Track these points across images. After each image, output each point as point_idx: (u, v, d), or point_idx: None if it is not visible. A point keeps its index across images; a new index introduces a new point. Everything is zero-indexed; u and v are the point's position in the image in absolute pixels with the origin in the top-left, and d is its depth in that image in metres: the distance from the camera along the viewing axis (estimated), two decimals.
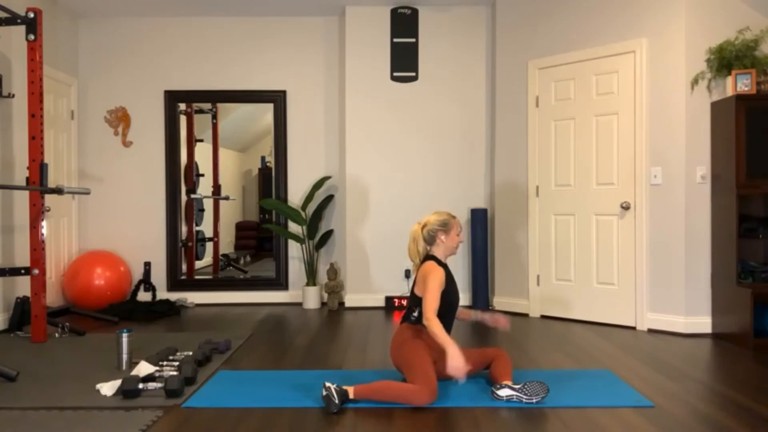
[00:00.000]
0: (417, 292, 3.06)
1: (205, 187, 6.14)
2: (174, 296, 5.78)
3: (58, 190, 4.09)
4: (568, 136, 4.88)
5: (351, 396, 2.75)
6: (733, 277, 4.04)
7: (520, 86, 5.18)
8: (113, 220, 5.85)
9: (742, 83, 4.03)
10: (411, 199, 5.61)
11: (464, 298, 5.46)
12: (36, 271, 4.16)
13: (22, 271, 4.19)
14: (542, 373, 3.32)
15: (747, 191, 3.99)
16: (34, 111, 4.15)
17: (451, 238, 3.11)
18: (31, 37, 4.16)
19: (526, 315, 5.10)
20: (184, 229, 5.97)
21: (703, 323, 4.32)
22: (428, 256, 3.12)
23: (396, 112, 5.63)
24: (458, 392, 2.97)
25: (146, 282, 5.79)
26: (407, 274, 5.58)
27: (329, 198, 5.75)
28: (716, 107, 4.23)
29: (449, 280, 3.07)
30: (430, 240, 3.10)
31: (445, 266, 3.10)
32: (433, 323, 2.85)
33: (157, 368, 3.19)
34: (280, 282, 5.87)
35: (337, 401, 2.68)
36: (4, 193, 4.65)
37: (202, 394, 2.96)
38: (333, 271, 5.59)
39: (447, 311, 3.09)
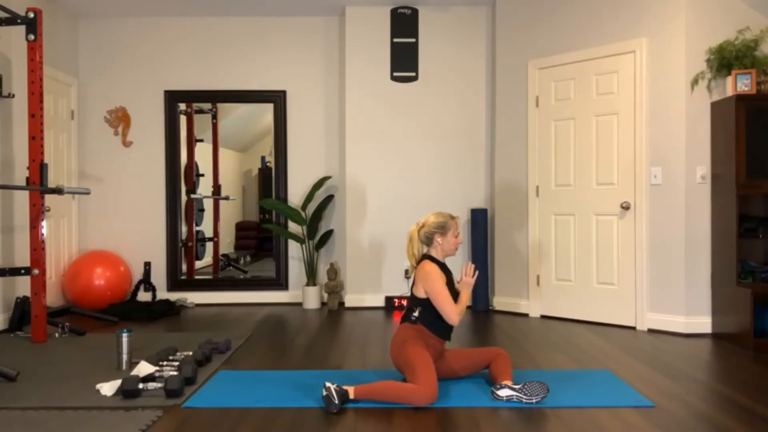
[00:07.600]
0: (416, 293, 3.06)
1: (205, 187, 6.15)
2: (174, 296, 5.78)
3: (58, 190, 4.09)
4: (568, 136, 4.88)
5: (351, 396, 2.76)
6: (733, 277, 4.03)
7: (520, 86, 5.18)
8: (113, 220, 5.84)
9: (742, 83, 4.03)
10: (411, 199, 5.61)
11: None
12: (36, 271, 4.16)
13: (22, 271, 4.19)
14: (542, 373, 3.32)
15: (747, 191, 3.99)
16: (34, 111, 4.15)
17: (448, 240, 3.08)
18: (31, 37, 4.15)
19: (526, 315, 5.10)
20: (184, 229, 5.97)
21: (703, 323, 4.32)
22: (425, 256, 3.11)
23: (396, 112, 5.62)
24: (458, 392, 2.97)
25: (146, 282, 5.79)
26: (407, 274, 5.58)
27: (329, 198, 5.75)
28: (716, 107, 4.23)
29: (448, 280, 3.07)
30: (427, 241, 3.09)
31: (443, 266, 3.10)
32: (458, 314, 2.99)
33: (157, 368, 3.19)
34: (280, 282, 5.87)
35: (337, 401, 2.68)
36: (4, 193, 4.65)
37: (202, 394, 2.96)
38: (333, 271, 5.59)
39: None
